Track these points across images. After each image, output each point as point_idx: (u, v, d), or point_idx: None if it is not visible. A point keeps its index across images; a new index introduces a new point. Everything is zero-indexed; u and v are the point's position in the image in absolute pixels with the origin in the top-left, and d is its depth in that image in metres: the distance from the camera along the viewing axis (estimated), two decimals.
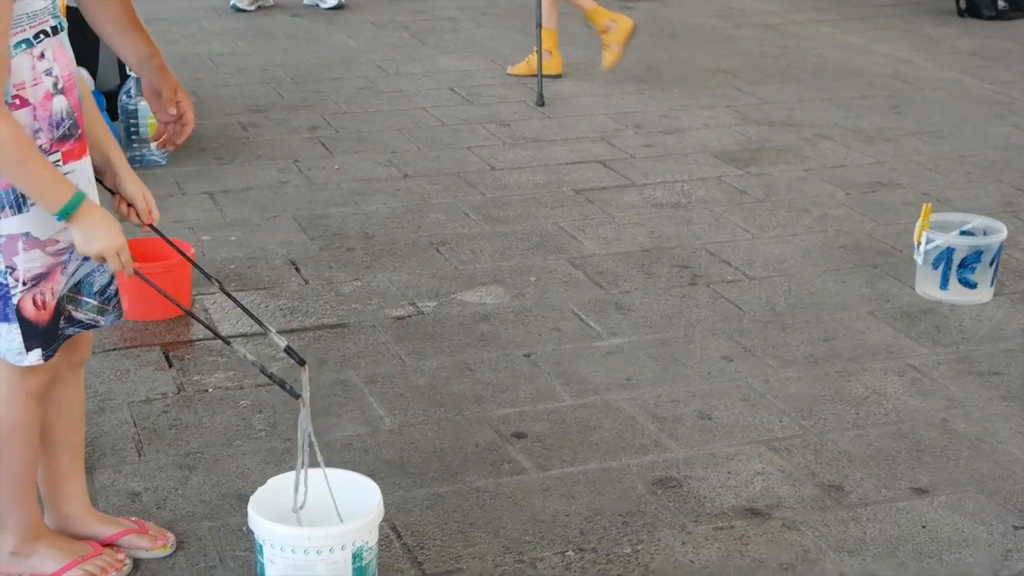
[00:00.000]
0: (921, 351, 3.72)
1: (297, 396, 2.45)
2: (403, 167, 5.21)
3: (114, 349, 3.59)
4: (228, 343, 2.53)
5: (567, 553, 2.73)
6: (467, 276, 4.16)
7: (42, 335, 2.41)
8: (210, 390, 3.38)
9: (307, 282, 4.09)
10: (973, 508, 2.94)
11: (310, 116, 5.89)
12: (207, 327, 2.60)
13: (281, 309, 3.87)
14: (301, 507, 2.50)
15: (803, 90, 6.50)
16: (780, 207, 4.87)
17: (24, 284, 2.37)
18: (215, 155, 5.29)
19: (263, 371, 2.48)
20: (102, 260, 2.36)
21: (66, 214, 2.30)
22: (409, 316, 3.86)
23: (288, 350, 2.50)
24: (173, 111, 2.58)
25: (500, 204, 4.82)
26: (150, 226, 2.54)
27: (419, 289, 4.05)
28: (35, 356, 2.41)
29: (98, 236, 2.33)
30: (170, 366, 3.51)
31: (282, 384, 2.48)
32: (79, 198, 2.31)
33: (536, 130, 5.75)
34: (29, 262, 2.37)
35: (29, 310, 2.38)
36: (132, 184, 2.51)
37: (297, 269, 4.18)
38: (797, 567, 2.71)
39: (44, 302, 2.40)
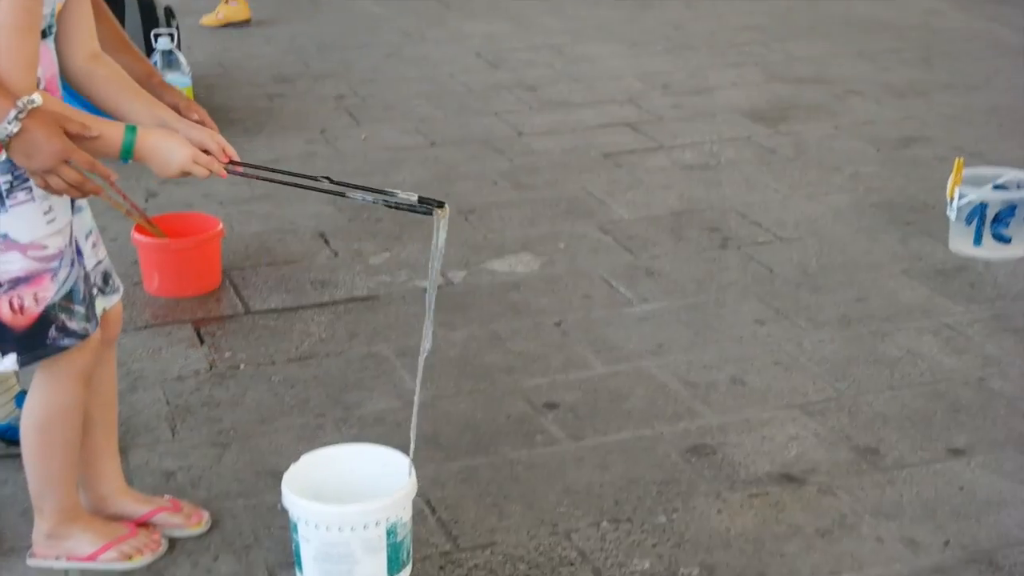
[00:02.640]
0: (956, 309, 3.68)
1: (440, 204, 2.36)
2: (430, 135, 5.19)
3: (145, 327, 3.60)
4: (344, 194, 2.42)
5: (602, 524, 2.72)
6: (496, 244, 4.14)
7: (18, 341, 2.35)
8: (241, 366, 3.38)
9: (336, 254, 4.08)
10: (1011, 468, 2.91)
11: (336, 85, 5.87)
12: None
13: (311, 282, 3.87)
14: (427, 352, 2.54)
15: (832, 45, 6.44)
16: (810, 166, 4.82)
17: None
18: (242, 127, 5.28)
19: (387, 201, 2.40)
20: (186, 175, 2.33)
21: (128, 154, 2.28)
22: (439, 287, 3.84)
23: (422, 200, 2.38)
24: (196, 116, 2.56)
25: (528, 170, 4.80)
26: (232, 162, 2.42)
27: (448, 259, 4.03)
28: (10, 362, 2.36)
29: (170, 159, 2.31)
30: (201, 343, 3.51)
31: (413, 206, 2.39)
32: (131, 135, 2.28)
33: (563, 94, 5.71)
34: (5, 264, 2.31)
35: (4, 312, 2.33)
36: (197, 132, 2.41)
37: (326, 241, 4.18)
38: (834, 532, 2.69)
39: (23, 307, 2.33)
